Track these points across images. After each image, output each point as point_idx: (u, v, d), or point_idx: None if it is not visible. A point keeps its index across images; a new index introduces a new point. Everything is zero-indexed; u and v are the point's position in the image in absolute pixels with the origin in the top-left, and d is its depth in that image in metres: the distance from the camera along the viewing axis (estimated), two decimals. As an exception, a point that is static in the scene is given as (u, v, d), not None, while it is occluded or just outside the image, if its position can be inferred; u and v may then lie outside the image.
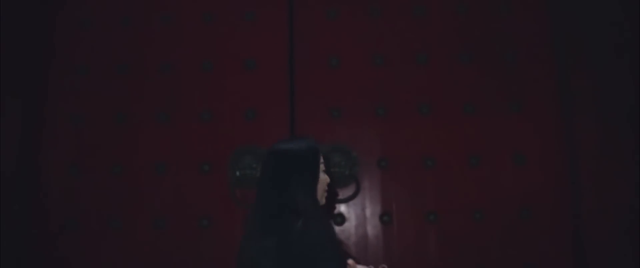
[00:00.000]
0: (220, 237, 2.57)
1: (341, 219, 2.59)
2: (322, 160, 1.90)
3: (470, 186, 2.58)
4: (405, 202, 2.58)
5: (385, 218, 2.57)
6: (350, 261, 1.76)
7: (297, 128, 2.64)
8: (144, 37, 2.76)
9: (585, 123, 2.56)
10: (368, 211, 2.58)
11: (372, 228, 2.57)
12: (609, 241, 2.48)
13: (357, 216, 2.57)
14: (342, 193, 2.55)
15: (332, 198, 2.52)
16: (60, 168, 2.65)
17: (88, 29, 2.77)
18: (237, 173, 2.58)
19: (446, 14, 2.74)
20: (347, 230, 2.59)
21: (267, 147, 2.53)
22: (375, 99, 2.67)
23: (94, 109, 2.70)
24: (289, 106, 2.67)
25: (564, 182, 2.57)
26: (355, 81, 2.69)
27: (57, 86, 2.73)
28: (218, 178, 2.61)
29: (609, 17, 2.62)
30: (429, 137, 2.63)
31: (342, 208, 2.58)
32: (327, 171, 1.92)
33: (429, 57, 2.70)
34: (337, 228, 2.52)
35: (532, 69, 2.67)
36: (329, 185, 1.93)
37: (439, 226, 2.55)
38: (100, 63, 2.74)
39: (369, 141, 2.63)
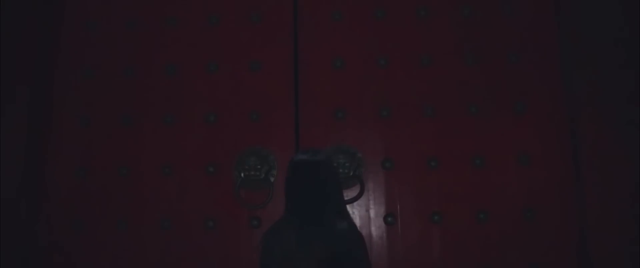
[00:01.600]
0: (225, 237, 2.59)
1: (346, 220, 2.60)
2: None
3: (475, 187, 2.58)
4: (409, 203, 2.58)
5: (389, 218, 2.58)
6: None
7: (302, 129, 2.65)
8: (149, 40, 2.78)
9: (589, 124, 2.56)
10: (372, 212, 2.59)
11: (376, 228, 2.58)
12: (614, 242, 2.47)
13: (361, 217, 2.58)
14: (347, 194, 2.56)
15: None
16: (67, 169, 2.67)
17: (94, 31, 2.80)
18: (242, 175, 2.59)
19: (450, 15, 2.74)
20: (351, 231, 2.59)
21: (271, 148, 2.61)
22: (380, 100, 2.67)
23: (100, 112, 2.72)
24: (293, 107, 2.68)
25: (569, 183, 2.56)
26: (359, 83, 2.69)
27: (63, 88, 2.75)
28: (223, 179, 2.62)
29: (614, 21, 2.61)
30: (433, 138, 2.63)
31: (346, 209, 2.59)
32: None
33: (433, 59, 2.70)
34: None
35: (536, 70, 2.67)
36: None
37: (443, 227, 2.56)
38: (106, 65, 2.76)
39: (373, 143, 2.64)
